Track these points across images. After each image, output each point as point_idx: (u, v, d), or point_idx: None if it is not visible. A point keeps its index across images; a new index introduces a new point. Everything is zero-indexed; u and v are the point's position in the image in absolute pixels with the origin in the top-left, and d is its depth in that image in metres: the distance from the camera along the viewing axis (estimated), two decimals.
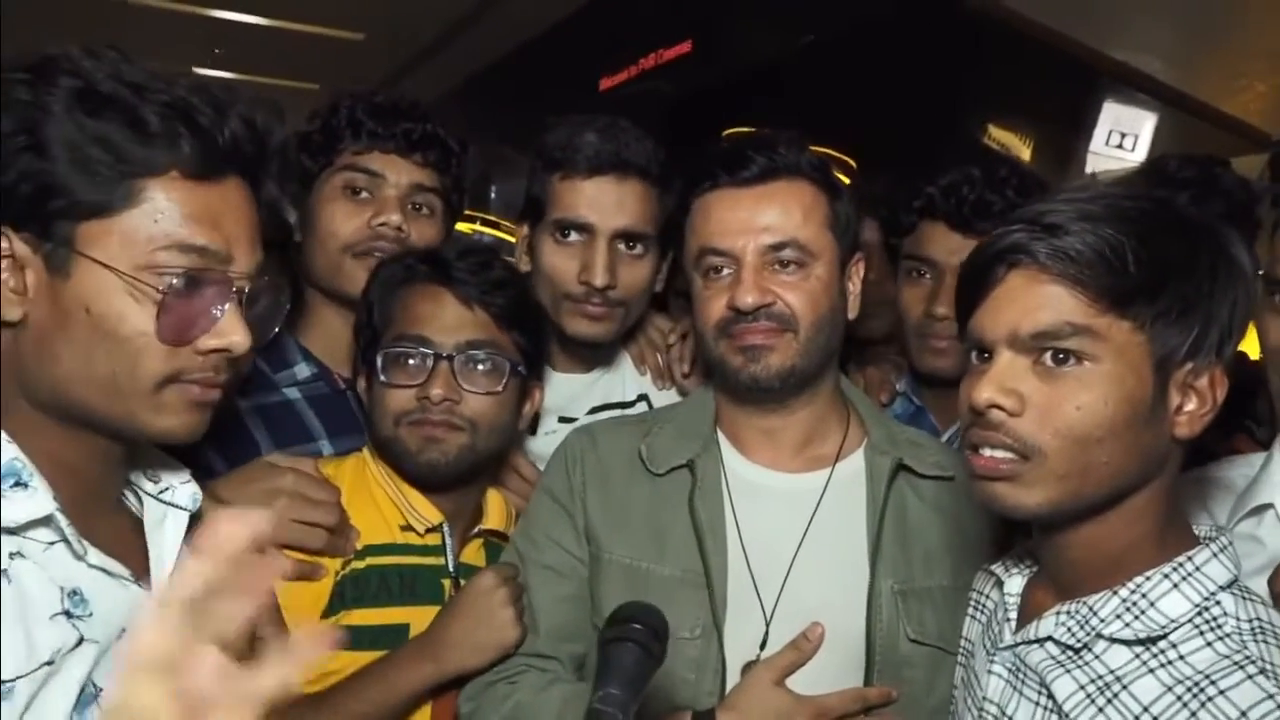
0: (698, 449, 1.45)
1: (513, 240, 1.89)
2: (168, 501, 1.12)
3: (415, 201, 1.72)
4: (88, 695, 0.95)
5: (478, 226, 7.55)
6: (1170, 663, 1.00)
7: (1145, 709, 0.98)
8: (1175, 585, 1.02)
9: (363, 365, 1.56)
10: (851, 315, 1.50)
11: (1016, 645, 1.13)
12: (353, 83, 2.28)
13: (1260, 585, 1.19)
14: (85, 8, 5.47)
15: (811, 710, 1.28)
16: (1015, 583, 1.18)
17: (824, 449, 1.48)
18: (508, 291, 1.53)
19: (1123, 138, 4.80)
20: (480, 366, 1.49)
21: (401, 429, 1.47)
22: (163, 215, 0.96)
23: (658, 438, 1.48)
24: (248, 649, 0.63)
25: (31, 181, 0.94)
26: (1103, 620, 1.04)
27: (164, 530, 1.11)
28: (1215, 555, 1.04)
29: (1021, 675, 1.12)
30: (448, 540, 1.51)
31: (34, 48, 0.98)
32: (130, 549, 1.07)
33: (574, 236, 1.70)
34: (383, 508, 1.50)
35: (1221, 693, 0.94)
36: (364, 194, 1.70)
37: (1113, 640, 1.03)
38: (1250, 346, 1.44)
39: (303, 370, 1.69)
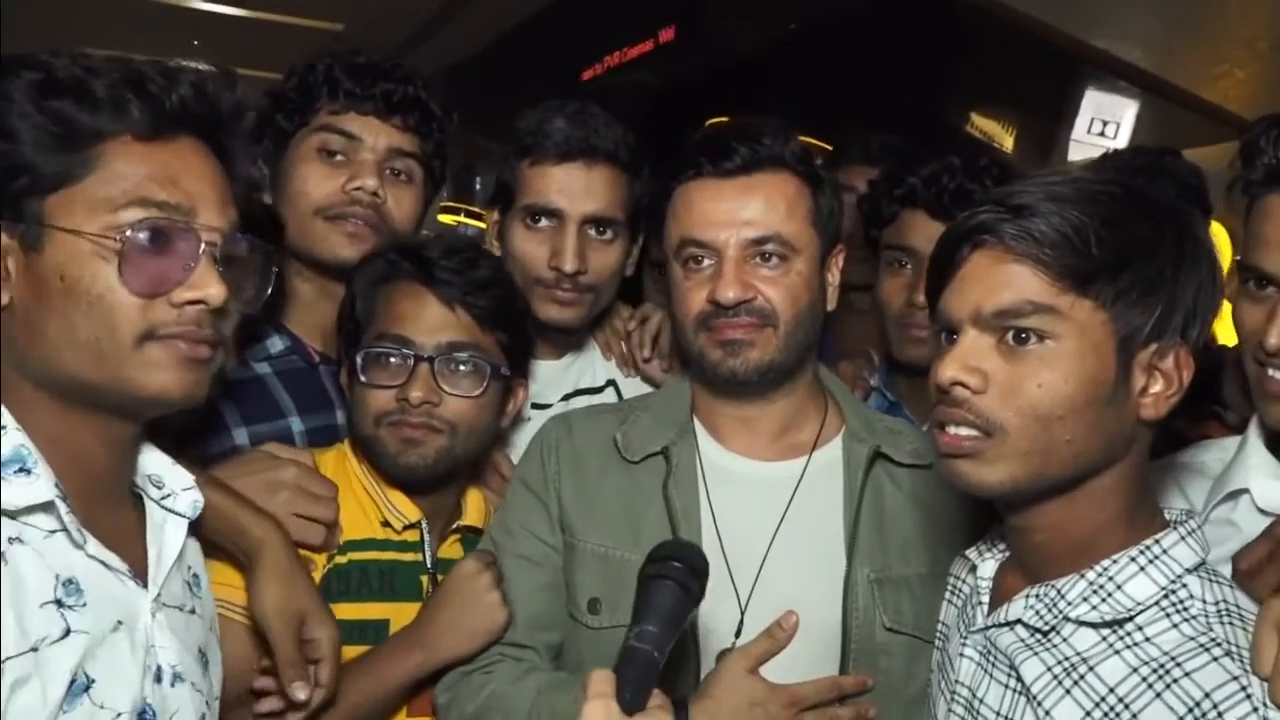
0: (673, 436, 1.45)
1: None
2: (169, 508, 1.13)
3: (393, 167, 1.66)
4: (78, 685, 0.96)
5: (462, 219, 7.52)
6: (1136, 644, 1.00)
7: (1111, 690, 0.98)
8: (1142, 568, 1.03)
9: (345, 359, 1.55)
10: (830, 307, 1.49)
11: (988, 628, 1.13)
12: None
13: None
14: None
15: (786, 698, 1.27)
16: (988, 566, 1.19)
17: (801, 437, 1.47)
18: (491, 292, 1.51)
19: (1105, 125, 4.82)
20: (461, 369, 1.47)
21: (381, 430, 1.46)
22: (121, 177, 0.99)
23: (633, 425, 1.48)
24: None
25: (0, 167, 0.96)
26: (1070, 603, 1.04)
27: (164, 533, 1.12)
28: (1183, 538, 1.04)
29: (992, 658, 1.12)
30: (426, 537, 1.51)
31: (11, 43, 0.99)
32: (132, 545, 1.08)
33: (544, 222, 1.70)
34: (363, 503, 1.50)
35: (1187, 674, 0.95)
36: (339, 157, 1.63)
37: (1080, 623, 1.04)
38: (1228, 334, 1.44)
39: (276, 344, 1.65)
